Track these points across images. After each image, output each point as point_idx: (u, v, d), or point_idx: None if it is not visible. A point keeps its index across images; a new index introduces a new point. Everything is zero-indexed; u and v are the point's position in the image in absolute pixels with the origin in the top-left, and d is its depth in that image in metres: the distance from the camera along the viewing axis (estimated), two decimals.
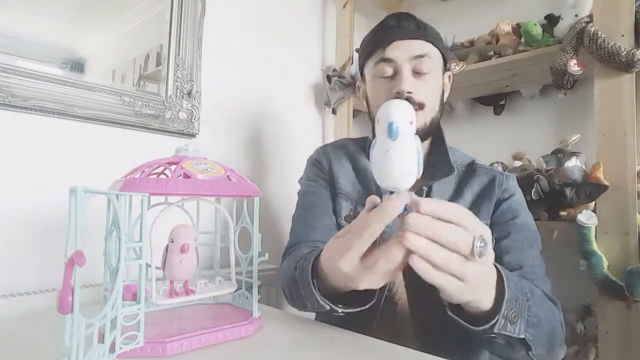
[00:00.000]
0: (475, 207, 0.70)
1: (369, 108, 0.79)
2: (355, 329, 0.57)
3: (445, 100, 0.77)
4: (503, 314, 0.46)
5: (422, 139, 0.73)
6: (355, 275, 0.43)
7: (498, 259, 0.66)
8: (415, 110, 0.67)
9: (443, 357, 0.48)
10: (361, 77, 0.82)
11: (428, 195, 0.72)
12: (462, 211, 0.40)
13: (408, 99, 0.67)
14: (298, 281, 0.55)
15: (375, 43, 0.72)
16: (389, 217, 0.39)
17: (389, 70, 0.70)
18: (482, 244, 0.38)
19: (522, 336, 0.49)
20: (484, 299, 0.45)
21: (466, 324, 0.48)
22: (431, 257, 0.37)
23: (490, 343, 0.53)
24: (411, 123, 0.39)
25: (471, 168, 0.74)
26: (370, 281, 0.43)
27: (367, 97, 0.78)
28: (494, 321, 0.46)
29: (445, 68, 0.77)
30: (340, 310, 0.53)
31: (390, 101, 0.40)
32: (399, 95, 0.68)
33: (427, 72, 0.70)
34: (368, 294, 0.53)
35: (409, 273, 0.61)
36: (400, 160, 0.39)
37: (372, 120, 0.76)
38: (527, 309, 0.50)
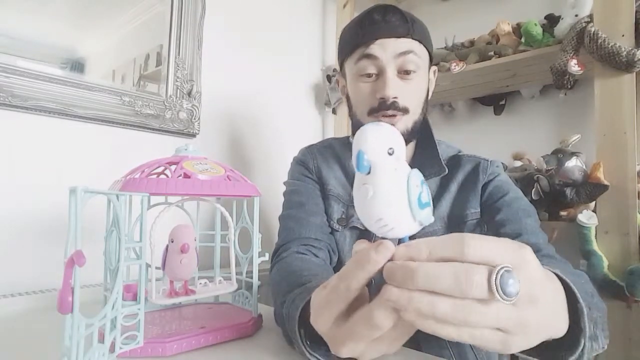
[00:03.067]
0: (461, 196, 0.68)
1: (351, 108, 0.73)
2: None
3: (429, 97, 0.73)
4: (589, 335, 0.35)
5: (406, 142, 0.69)
6: (332, 338, 0.34)
7: (495, 235, 0.62)
8: (400, 115, 0.65)
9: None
10: (340, 72, 0.76)
11: None
12: (460, 239, 0.28)
13: (393, 104, 0.64)
14: (286, 323, 0.45)
15: (358, 39, 0.66)
16: (366, 272, 0.29)
17: (372, 69, 0.66)
18: (504, 278, 0.26)
19: (605, 347, 0.40)
20: (557, 330, 0.34)
21: None
22: (435, 312, 0.27)
23: None
24: (391, 153, 0.29)
25: (455, 159, 0.72)
26: (352, 350, 0.32)
27: (348, 96, 0.73)
28: (580, 348, 0.35)
29: (431, 64, 0.72)
30: None
31: (364, 126, 0.31)
32: (383, 101, 0.65)
33: (413, 71, 0.65)
34: None
35: None
36: (380, 199, 0.29)
37: (353, 119, 0.73)
38: (596, 307, 0.41)
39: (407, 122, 0.67)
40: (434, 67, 0.75)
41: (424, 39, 0.68)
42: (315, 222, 0.70)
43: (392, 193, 0.29)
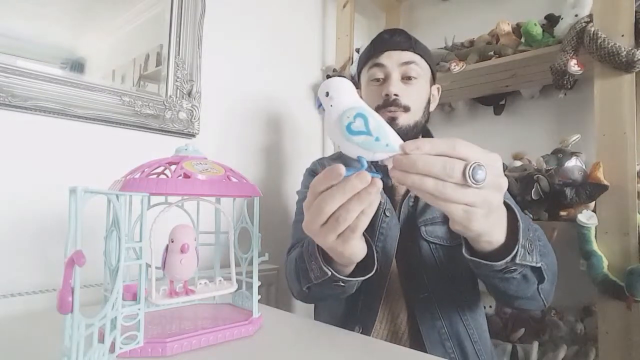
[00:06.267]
0: None
1: None
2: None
3: (431, 110, 0.86)
4: (522, 244, 0.47)
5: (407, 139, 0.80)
6: (313, 234, 0.46)
7: None
8: (401, 112, 0.77)
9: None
10: (359, 83, 0.90)
11: (416, 199, 0.77)
12: (453, 142, 0.39)
13: (395, 101, 0.76)
14: (304, 252, 0.58)
15: (370, 52, 0.82)
16: (329, 180, 0.41)
17: (380, 74, 0.79)
18: (474, 169, 0.38)
19: (539, 264, 0.51)
20: (496, 231, 0.46)
21: (487, 262, 0.48)
22: (423, 187, 0.39)
23: (506, 281, 0.55)
24: (327, 95, 0.42)
25: None
26: (325, 239, 0.44)
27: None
28: (514, 252, 0.47)
29: (434, 81, 0.86)
30: (341, 279, 0.54)
31: None
32: (387, 98, 0.77)
33: (415, 77, 0.78)
34: (368, 264, 0.54)
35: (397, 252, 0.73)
36: (326, 126, 0.44)
37: None
38: (538, 238, 0.52)
39: (408, 119, 0.78)
40: (438, 85, 0.88)
41: (426, 55, 0.82)
42: None
43: (328, 122, 0.42)
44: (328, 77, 1.36)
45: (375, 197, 0.41)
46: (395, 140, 0.40)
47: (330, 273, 0.53)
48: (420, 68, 0.79)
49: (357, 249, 0.47)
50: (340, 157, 0.91)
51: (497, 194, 0.42)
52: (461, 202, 0.40)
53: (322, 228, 0.43)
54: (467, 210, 0.40)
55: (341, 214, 0.41)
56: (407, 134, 0.77)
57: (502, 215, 0.47)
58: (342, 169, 0.40)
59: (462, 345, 0.68)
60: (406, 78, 0.78)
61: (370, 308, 0.71)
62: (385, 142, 0.39)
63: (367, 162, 0.41)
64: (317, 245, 0.53)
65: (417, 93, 0.79)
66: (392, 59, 0.78)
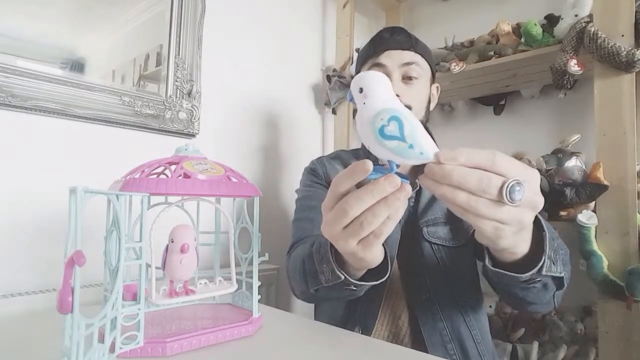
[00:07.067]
0: None
1: None
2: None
3: (431, 109, 0.85)
4: (548, 255, 0.46)
5: None
6: (332, 238, 0.43)
7: None
8: None
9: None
10: None
11: (418, 195, 0.77)
12: (492, 155, 0.37)
13: None
14: (314, 253, 0.55)
15: (370, 51, 0.81)
16: (353, 179, 0.39)
17: None
18: (512, 187, 0.36)
19: (562, 274, 0.50)
20: (522, 244, 0.45)
21: (513, 274, 0.47)
22: (454, 200, 0.37)
23: (526, 290, 0.53)
24: (360, 91, 0.39)
25: None
26: (346, 245, 0.41)
27: None
28: (541, 263, 0.46)
29: (433, 80, 0.85)
30: (353, 283, 0.51)
31: None
32: None
33: (415, 78, 0.78)
34: (381, 268, 0.51)
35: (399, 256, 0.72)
36: (357, 124, 0.40)
37: None
38: (560, 247, 0.51)
39: None
40: (437, 84, 0.87)
41: (426, 54, 0.81)
42: None
43: (360, 121, 0.39)
44: (328, 77, 1.36)
45: (403, 202, 0.38)
46: (430, 148, 0.37)
47: (343, 277, 0.50)
48: (421, 68, 0.79)
49: (378, 254, 0.45)
50: (338, 157, 0.90)
51: (531, 213, 0.40)
52: (493, 219, 0.38)
53: (343, 231, 0.41)
54: (498, 227, 0.38)
55: (367, 217, 0.39)
56: None
57: (530, 229, 0.45)
58: (369, 164, 0.37)
59: (464, 347, 0.67)
60: (407, 78, 0.78)
61: (371, 309, 0.71)
62: (420, 150, 0.37)
63: (397, 165, 0.38)
64: (331, 248, 0.51)
65: (417, 93, 0.79)
66: (393, 59, 0.78)
